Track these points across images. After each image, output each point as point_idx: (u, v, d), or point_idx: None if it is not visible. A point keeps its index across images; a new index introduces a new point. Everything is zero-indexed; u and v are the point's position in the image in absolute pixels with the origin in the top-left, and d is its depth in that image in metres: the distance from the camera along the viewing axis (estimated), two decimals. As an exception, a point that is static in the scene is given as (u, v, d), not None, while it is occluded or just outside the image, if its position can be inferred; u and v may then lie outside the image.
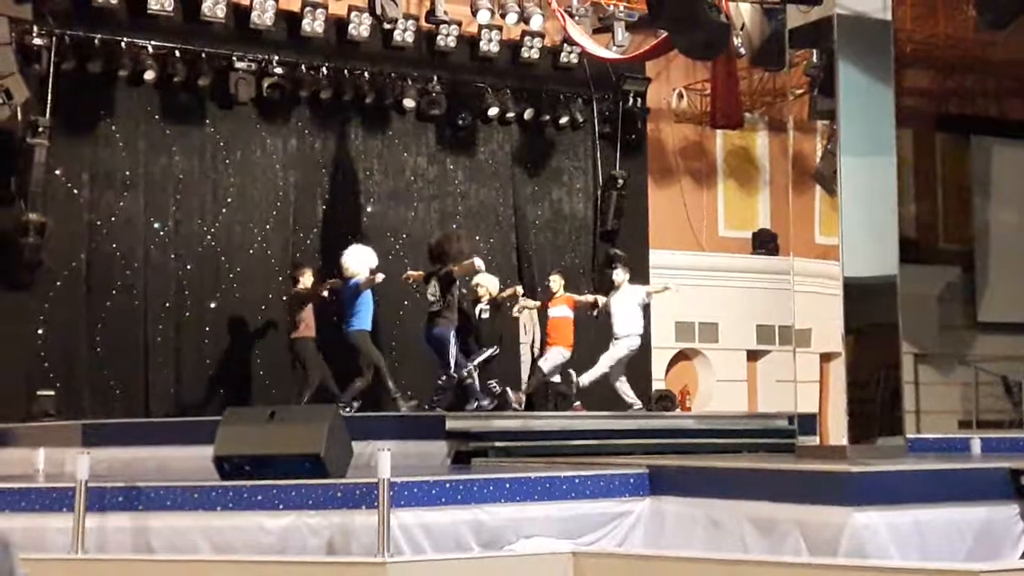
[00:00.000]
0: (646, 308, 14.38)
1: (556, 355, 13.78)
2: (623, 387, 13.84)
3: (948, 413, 18.95)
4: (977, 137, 20.27)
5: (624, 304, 13.92)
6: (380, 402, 13.44)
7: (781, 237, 17.41)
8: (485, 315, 13.71)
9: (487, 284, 13.86)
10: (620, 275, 14.14)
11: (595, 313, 14.20)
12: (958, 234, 20.13)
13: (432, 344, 12.91)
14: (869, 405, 9.18)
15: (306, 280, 12.95)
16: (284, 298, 13.74)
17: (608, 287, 14.94)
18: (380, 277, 12.79)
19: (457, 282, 13.05)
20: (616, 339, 13.84)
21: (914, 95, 18.88)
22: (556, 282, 14.20)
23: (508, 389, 13.38)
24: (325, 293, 13.04)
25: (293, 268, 13.50)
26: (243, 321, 14.06)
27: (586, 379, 13.77)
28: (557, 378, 13.91)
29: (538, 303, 14.26)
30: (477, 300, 13.81)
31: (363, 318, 12.66)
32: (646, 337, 15.89)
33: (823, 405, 14.93)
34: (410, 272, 13.54)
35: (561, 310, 13.98)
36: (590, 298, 14.32)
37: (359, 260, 12.84)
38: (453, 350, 12.81)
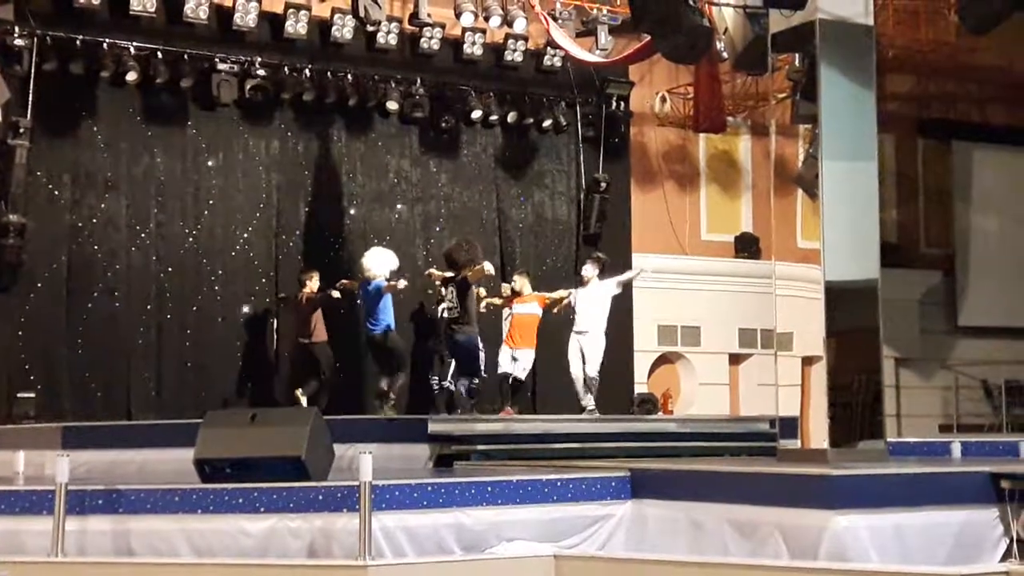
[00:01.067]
0: (628, 310, 14.32)
1: (528, 358, 13.61)
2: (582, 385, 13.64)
3: (929, 417, 19.00)
4: (958, 142, 20.34)
5: (589, 300, 13.67)
6: (364, 404, 13.50)
7: (763, 241, 17.46)
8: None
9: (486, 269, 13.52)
10: (589, 270, 13.84)
11: (555, 310, 13.99)
12: (939, 238, 20.20)
13: (459, 352, 13.00)
14: (850, 409, 9.20)
15: (313, 284, 13.25)
16: (279, 299, 13.97)
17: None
18: (403, 284, 13.05)
19: (473, 288, 13.06)
20: (576, 333, 13.64)
21: (896, 100, 18.95)
22: (519, 281, 13.88)
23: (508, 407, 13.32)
24: (336, 295, 13.20)
25: (301, 272, 13.63)
26: (225, 323, 14.03)
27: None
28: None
29: (502, 299, 14.00)
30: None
31: (390, 317, 13.07)
32: (628, 340, 15.98)
33: (804, 409, 14.97)
34: (433, 271, 13.55)
35: (531, 307, 13.76)
36: (562, 293, 14.06)
37: (380, 262, 13.15)
38: (482, 355, 13.11)
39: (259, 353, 14.14)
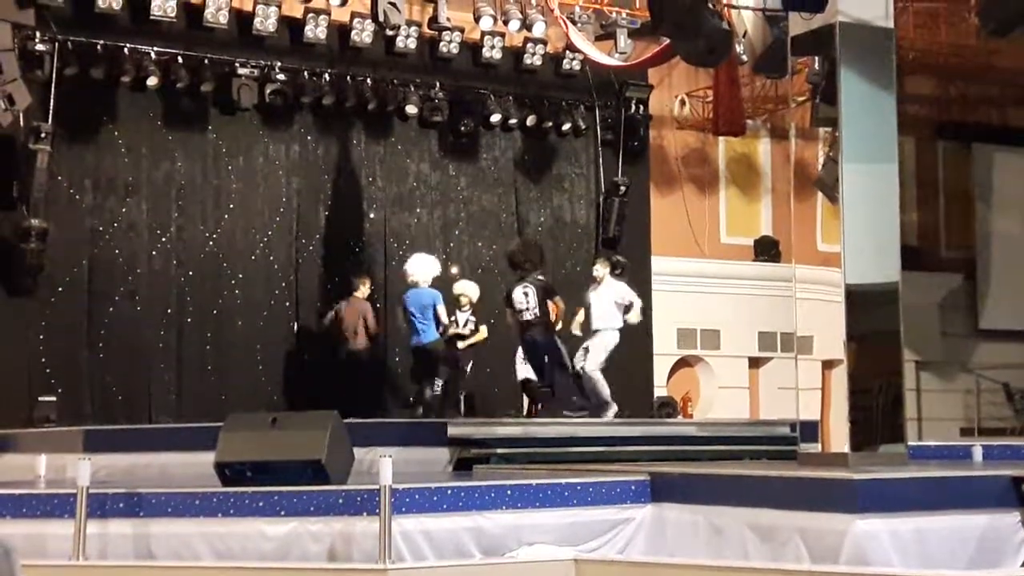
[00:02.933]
0: (648, 314, 14.24)
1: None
2: (598, 378, 13.38)
3: (950, 420, 18.93)
4: (979, 145, 20.27)
5: (603, 299, 13.50)
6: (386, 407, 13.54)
7: (783, 244, 17.42)
8: (470, 327, 13.56)
9: (468, 292, 13.74)
10: (600, 270, 13.70)
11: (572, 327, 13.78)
12: (960, 241, 20.13)
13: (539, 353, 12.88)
14: (871, 412, 9.16)
15: (365, 290, 13.41)
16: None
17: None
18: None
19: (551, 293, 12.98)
20: (594, 332, 13.46)
21: (916, 103, 18.89)
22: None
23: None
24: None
25: (355, 277, 13.68)
26: (245, 327, 14.06)
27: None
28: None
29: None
30: (459, 307, 13.61)
31: (435, 327, 13.11)
32: (647, 343, 15.96)
33: (825, 412, 14.94)
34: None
35: None
36: (580, 317, 13.67)
37: (423, 269, 13.22)
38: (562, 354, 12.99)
39: (280, 356, 14.16)
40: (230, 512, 7.84)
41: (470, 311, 13.63)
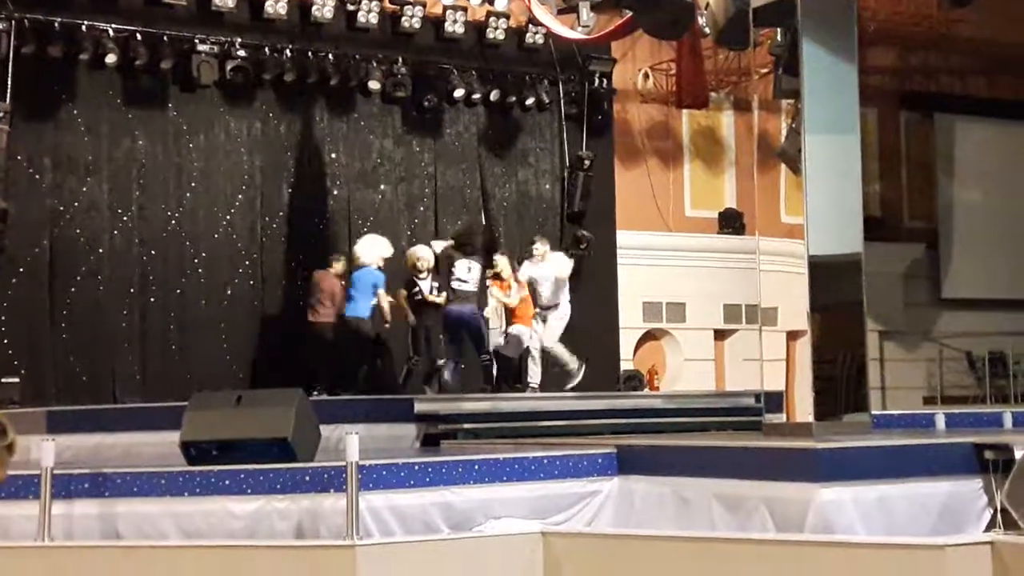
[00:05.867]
0: (613, 287, 14.34)
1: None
2: (558, 349, 13.67)
3: (913, 389, 19.09)
4: (941, 115, 20.38)
5: (548, 275, 13.74)
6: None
7: (747, 216, 17.47)
8: (435, 293, 13.24)
9: (425, 256, 13.54)
10: (540, 247, 13.98)
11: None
12: (922, 212, 20.26)
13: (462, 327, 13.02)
14: (835, 382, 9.24)
15: (339, 267, 13.36)
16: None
17: (575, 268, 15.04)
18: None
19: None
20: (549, 308, 13.65)
21: (878, 73, 18.96)
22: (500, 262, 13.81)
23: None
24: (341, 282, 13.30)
25: (331, 254, 13.68)
26: (208, 306, 13.99)
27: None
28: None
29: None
30: (417, 275, 13.36)
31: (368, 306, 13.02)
32: (613, 317, 16.01)
33: (790, 383, 14.98)
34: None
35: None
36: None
37: (372, 250, 13.19)
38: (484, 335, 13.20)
39: (244, 334, 14.10)
40: (196, 491, 7.83)
41: (429, 276, 13.37)
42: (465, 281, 12.90)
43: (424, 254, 13.58)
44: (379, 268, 13.20)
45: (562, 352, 13.61)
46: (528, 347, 13.40)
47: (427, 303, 13.25)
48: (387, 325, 13.22)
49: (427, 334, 13.32)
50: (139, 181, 13.85)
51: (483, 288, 13.28)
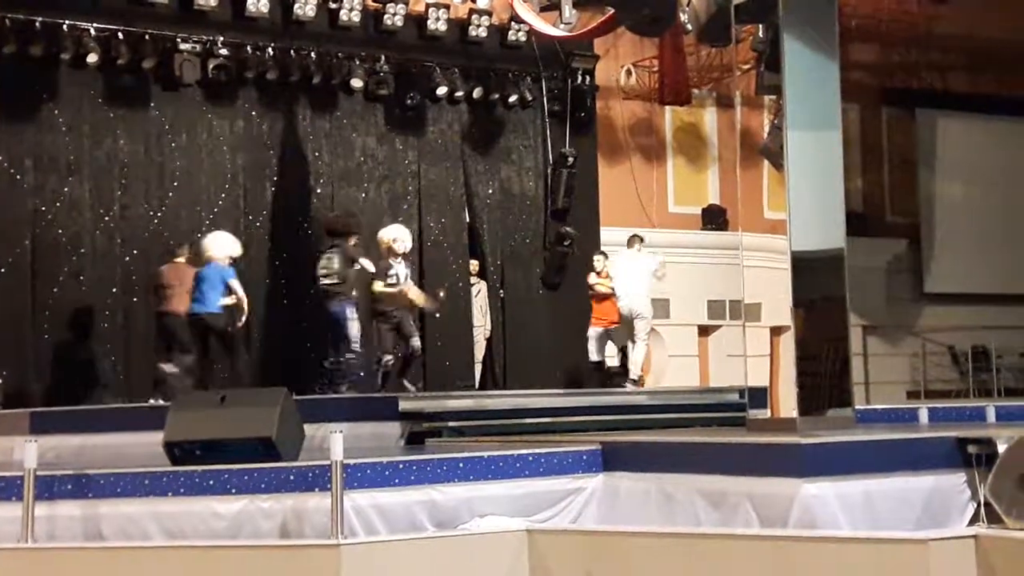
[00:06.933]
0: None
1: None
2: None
3: (896, 384, 19.19)
4: (922, 110, 20.48)
5: (630, 272, 14.30)
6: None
7: (730, 212, 17.51)
8: (400, 279, 12.72)
9: (402, 237, 12.98)
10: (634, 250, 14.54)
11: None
12: (904, 207, 20.35)
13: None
14: (818, 377, 9.25)
15: (185, 255, 12.58)
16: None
17: (560, 265, 15.11)
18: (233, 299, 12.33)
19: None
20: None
21: (859, 69, 19.03)
22: (600, 262, 14.58)
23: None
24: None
25: (177, 245, 12.87)
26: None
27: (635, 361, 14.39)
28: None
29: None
30: (392, 256, 12.82)
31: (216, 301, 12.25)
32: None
33: (773, 378, 14.99)
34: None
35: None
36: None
37: (220, 246, 12.35)
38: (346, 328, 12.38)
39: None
40: (180, 491, 7.79)
41: (403, 262, 12.85)
42: (327, 274, 12.25)
43: (400, 235, 12.96)
44: (228, 265, 12.36)
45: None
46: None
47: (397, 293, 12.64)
48: (242, 320, 12.47)
49: (398, 325, 12.79)
50: (121, 181, 13.81)
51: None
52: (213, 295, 12.11)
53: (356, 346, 12.35)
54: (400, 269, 12.83)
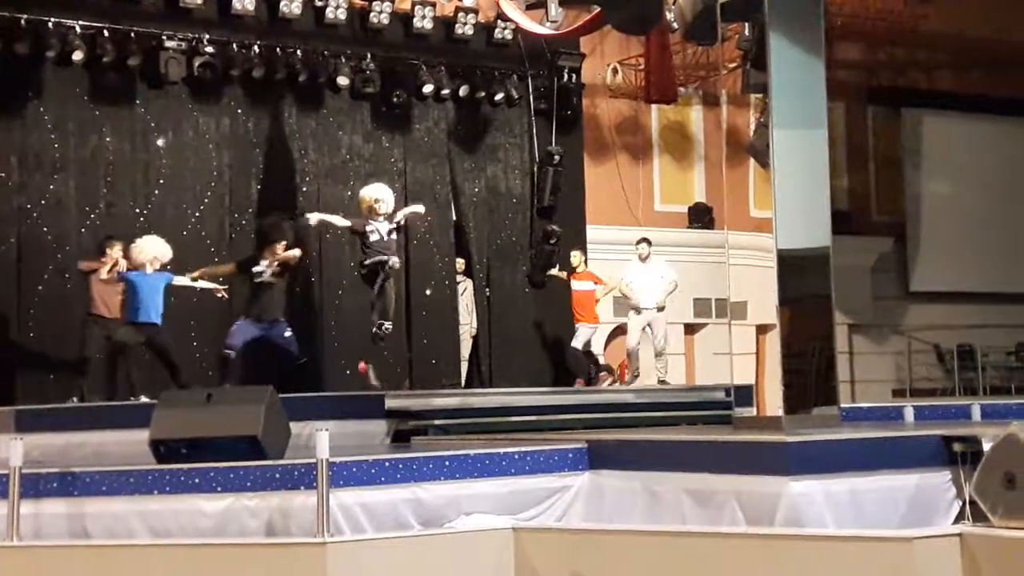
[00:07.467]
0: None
1: (585, 331, 14.65)
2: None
3: (882, 382, 19.23)
4: (908, 109, 20.53)
5: (649, 278, 14.54)
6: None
7: (716, 211, 17.53)
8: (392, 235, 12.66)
9: (384, 196, 12.81)
10: (644, 248, 14.67)
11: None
12: (890, 205, 20.40)
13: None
14: (804, 376, 9.27)
15: (116, 252, 12.25)
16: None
17: (546, 263, 15.14)
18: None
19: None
20: (642, 310, 14.49)
21: (845, 68, 19.09)
22: (576, 257, 14.79)
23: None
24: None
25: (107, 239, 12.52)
26: (177, 303, 13.88)
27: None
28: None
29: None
30: (374, 216, 12.59)
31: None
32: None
33: (759, 376, 15.11)
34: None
35: (585, 284, 14.60)
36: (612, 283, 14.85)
37: (151, 249, 12.25)
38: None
39: (214, 332, 14.02)
40: (166, 489, 7.78)
41: (387, 221, 12.67)
42: (262, 271, 12.29)
43: (383, 195, 12.75)
44: (157, 270, 12.26)
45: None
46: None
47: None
48: (223, 296, 12.64)
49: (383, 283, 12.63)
50: (107, 178, 13.78)
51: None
52: (153, 305, 12.00)
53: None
54: (381, 227, 12.64)
